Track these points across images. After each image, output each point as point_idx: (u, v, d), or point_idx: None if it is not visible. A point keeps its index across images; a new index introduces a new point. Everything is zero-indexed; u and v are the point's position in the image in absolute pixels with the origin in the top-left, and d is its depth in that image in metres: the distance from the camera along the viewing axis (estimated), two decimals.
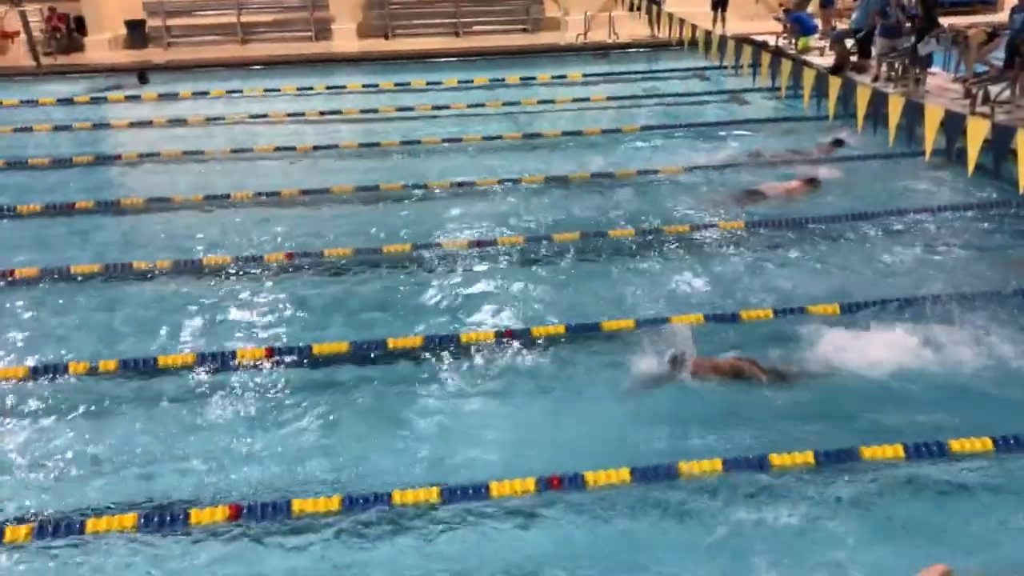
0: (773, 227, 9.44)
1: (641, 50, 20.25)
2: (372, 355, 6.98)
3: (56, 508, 5.33)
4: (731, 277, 8.37)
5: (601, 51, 20.17)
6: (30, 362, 6.95)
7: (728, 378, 6.46)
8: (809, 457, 5.49)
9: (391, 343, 7.10)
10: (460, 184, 11.14)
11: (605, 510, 5.23)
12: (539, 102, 15.58)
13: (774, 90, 12.61)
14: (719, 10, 20.40)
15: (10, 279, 8.49)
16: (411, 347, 7.07)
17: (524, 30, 22.41)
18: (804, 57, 16.62)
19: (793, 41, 18.49)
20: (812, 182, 10.61)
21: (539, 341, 7.10)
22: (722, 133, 13.31)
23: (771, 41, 18.39)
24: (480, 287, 8.32)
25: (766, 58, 11.63)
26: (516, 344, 7.08)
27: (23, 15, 19.61)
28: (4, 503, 5.43)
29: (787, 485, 5.35)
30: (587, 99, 15.64)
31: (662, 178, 11.28)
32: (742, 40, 13.67)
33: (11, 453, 5.91)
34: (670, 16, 15.63)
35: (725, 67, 13.94)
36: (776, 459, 5.47)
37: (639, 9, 17.82)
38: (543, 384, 6.60)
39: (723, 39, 13.48)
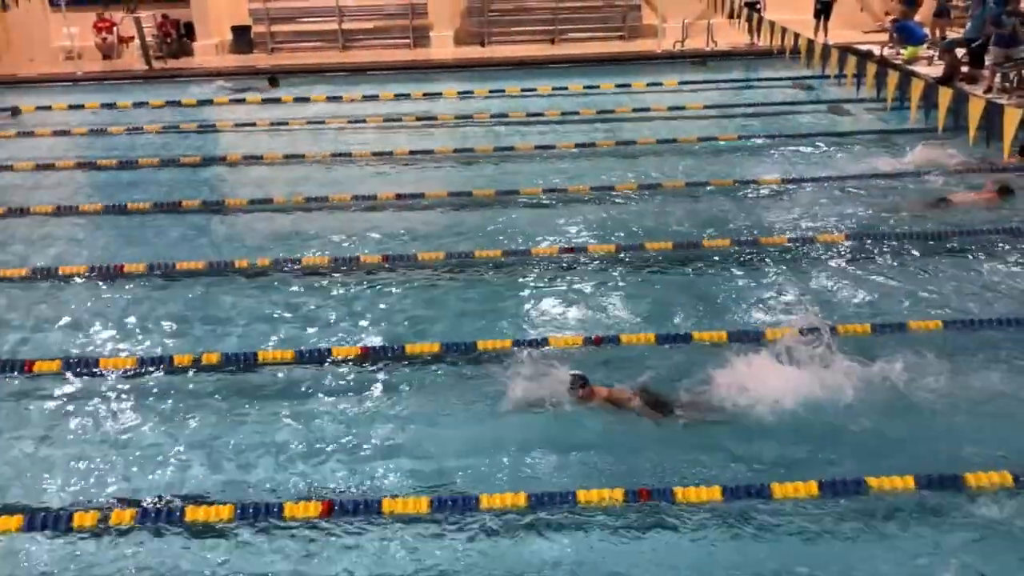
0: (877, 240, 9.17)
1: (740, 58, 19.94)
2: (462, 356, 7.03)
3: (158, 495, 5.52)
4: (829, 291, 8.16)
5: (698, 59, 19.92)
6: (137, 353, 7.23)
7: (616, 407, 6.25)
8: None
9: (480, 345, 7.15)
10: (552, 191, 11.14)
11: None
12: (634, 110, 15.48)
13: (879, 101, 12.24)
14: (822, 18, 19.92)
15: (119, 273, 8.85)
16: (500, 349, 7.11)
17: (621, 37, 22.30)
18: (911, 67, 16.08)
19: (899, 50, 17.92)
20: (1005, 191, 10.19)
21: (626, 348, 7.04)
22: (823, 144, 12.99)
23: (876, 50, 17.85)
24: (569, 294, 8.30)
25: (871, 68, 11.28)
26: (605, 350, 7.05)
27: (137, 21, 20.48)
28: (110, 487, 5.66)
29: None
30: (683, 107, 15.47)
31: (760, 189, 11.08)
32: (845, 49, 13.30)
33: (117, 440, 6.15)
34: (771, 24, 15.32)
35: (827, 77, 13.58)
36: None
37: (738, 17, 17.52)
38: None
39: (826, 48, 13.14)
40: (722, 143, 13.27)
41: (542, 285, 8.51)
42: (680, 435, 6.05)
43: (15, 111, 16.13)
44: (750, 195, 10.94)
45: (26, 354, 7.31)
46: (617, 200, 10.90)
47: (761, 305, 7.94)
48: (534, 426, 6.11)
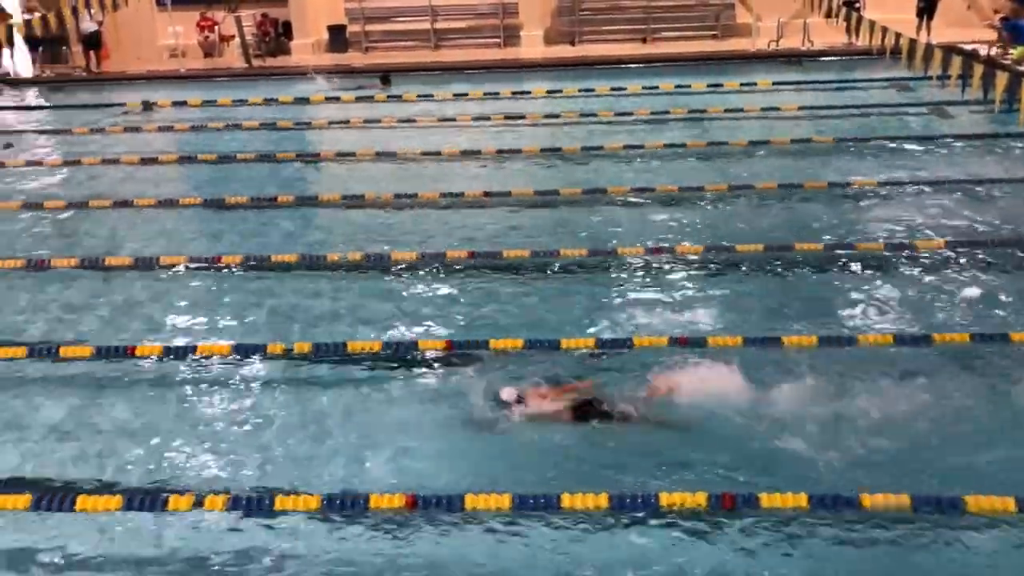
0: (980, 247, 8.82)
1: (837, 58, 19.43)
2: (546, 353, 7.03)
3: (248, 483, 5.69)
4: (926, 299, 7.88)
5: (794, 59, 19.49)
6: (232, 341, 7.47)
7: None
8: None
9: (564, 343, 7.15)
10: (640, 190, 11.05)
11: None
12: (726, 110, 15.24)
13: (986, 103, 11.77)
14: (925, 17, 19.25)
15: (217, 265, 9.15)
16: (584, 348, 7.10)
17: (713, 36, 21.98)
18: (1021, 68, 15.39)
19: (1008, 50, 17.17)
20: None
21: (712, 350, 6.94)
22: (923, 148, 12.56)
23: (982, 50, 17.14)
24: (655, 294, 8.23)
25: (979, 68, 10.85)
26: (687, 352, 6.96)
27: (238, 20, 21.14)
28: (203, 473, 5.85)
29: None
30: (776, 108, 15.15)
31: (856, 192, 10.78)
32: (950, 49, 12.81)
33: (211, 425, 6.36)
34: (871, 23, 14.86)
35: (930, 78, 13.11)
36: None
37: (836, 16, 17.04)
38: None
39: (929, 48, 12.68)
40: (817, 145, 12.95)
41: (628, 285, 8.46)
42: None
43: (148, 105, 16.78)
44: (845, 198, 10.65)
45: (129, 339, 7.61)
46: (707, 201, 10.75)
47: (854, 311, 7.73)
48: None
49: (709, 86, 16.91)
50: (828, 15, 17.38)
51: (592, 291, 8.36)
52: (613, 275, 8.68)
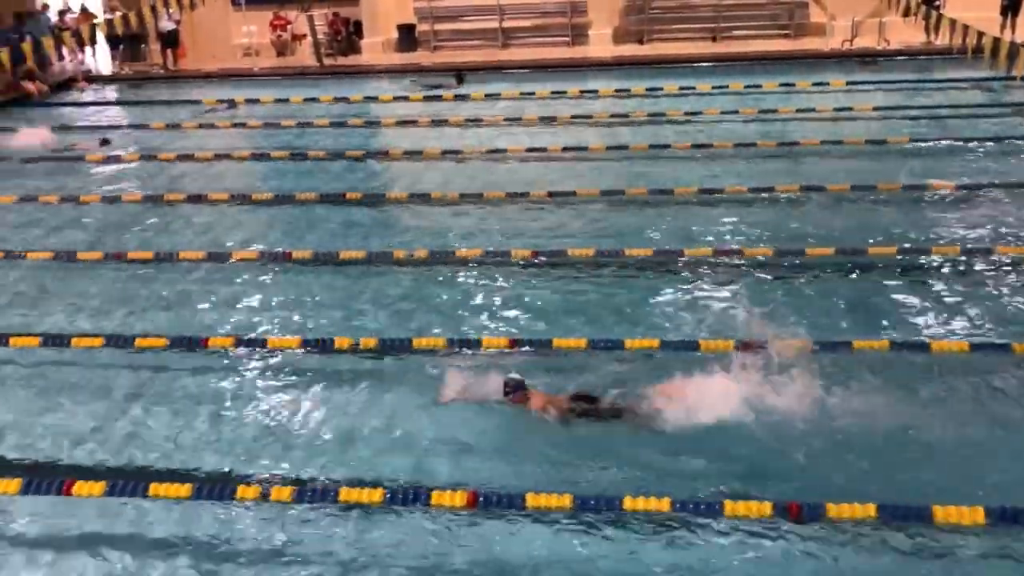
0: None
1: (914, 58, 18.92)
2: (608, 352, 7.00)
3: (313, 474, 5.78)
4: (1005, 305, 7.64)
5: (869, 58, 19.04)
6: (301, 335, 7.60)
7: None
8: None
9: (628, 343, 7.11)
10: (708, 191, 10.92)
11: None
12: (797, 110, 14.96)
13: None
14: (1009, 14, 18.61)
15: (287, 259, 9.31)
16: (649, 348, 7.05)
17: (786, 35, 21.60)
18: None
19: None
20: None
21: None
22: (1004, 150, 12.16)
23: None
24: (722, 297, 8.12)
25: None
26: (755, 356, 6.84)
27: (310, 19, 21.47)
28: (272, 464, 5.97)
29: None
30: (850, 108, 14.82)
31: (932, 195, 10.48)
32: None
33: (279, 417, 6.47)
34: (951, 21, 14.44)
35: (1013, 78, 12.69)
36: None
37: (914, 14, 16.59)
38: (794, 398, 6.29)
39: (1014, 46, 12.27)
40: (892, 146, 12.63)
41: (694, 286, 8.36)
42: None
43: (230, 103, 17.16)
44: (921, 201, 10.38)
45: (202, 331, 7.79)
46: (777, 202, 10.57)
47: (928, 317, 7.52)
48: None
49: (781, 85, 16.62)
50: (906, 13, 16.94)
51: (657, 292, 8.28)
52: (679, 276, 8.59)
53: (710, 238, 9.45)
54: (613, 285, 8.52)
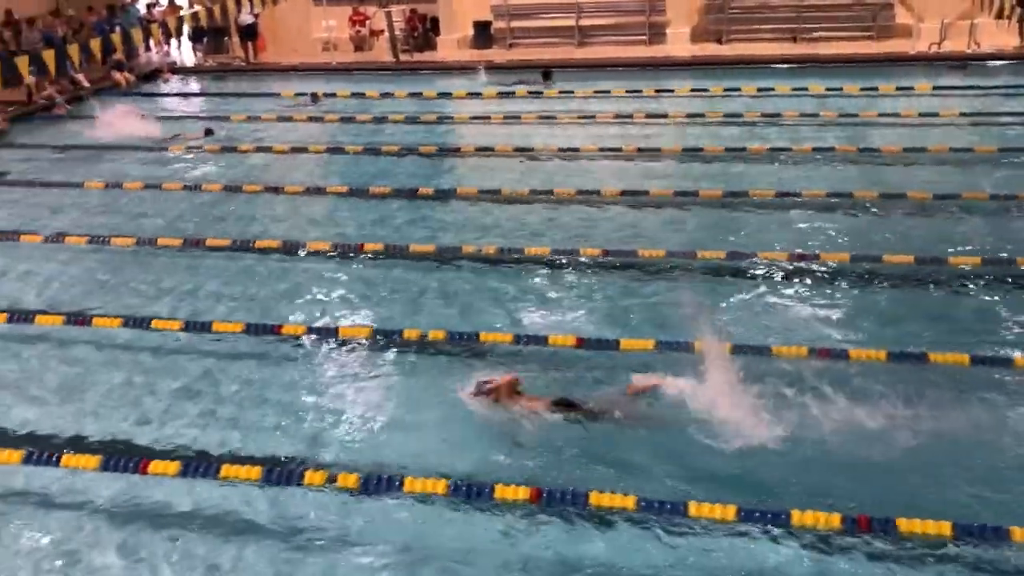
0: None
1: (1007, 62, 18.25)
2: (678, 354, 6.93)
3: (378, 462, 5.85)
4: None
5: (957, 62, 18.41)
6: (373, 325, 7.71)
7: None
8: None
9: (696, 346, 7.02)
10: (784, 195, 10.71)
11: None
12: (880, 115, 14.56)
13: None
14: None
15: (359, 251, 9.44)
16: (720, 352, 6.94)
17: (870, 37, 21.05)
18: None
19: None
20: None
21: (855, 364, 6.67)
22: None
23: None
24: (796, 302, 7.98)
25: None
26: (831, 363, 6.71)
27: (388, 15, 21.71)
28: (339, 452, 6.05)
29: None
30: (936, 114, 14.35)
31: (1020, 204, 10.10)
32: None
33: (344, 405, 6.56)
34: None
35: None
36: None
37: (1009, 16, 16.01)
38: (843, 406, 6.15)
39: None
40: (979, 154, 12.22)
41: (767, 291, 8.22)
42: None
43: (315, 97, 17.49)
44: (1007, 212, 10.01)
45: (274, 318, 7.95)
46: (855, 208, 10.31)
47: (1012, 331, 7.25)
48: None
49: (863, 89, 16.19)
50: (999, 15, 16.38)
51: (730, 295, 8.17)
52: (753, 280, 8.46)
53: (785, 242, 9.27)
54: (680, 287, 8.42)
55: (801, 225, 9.84)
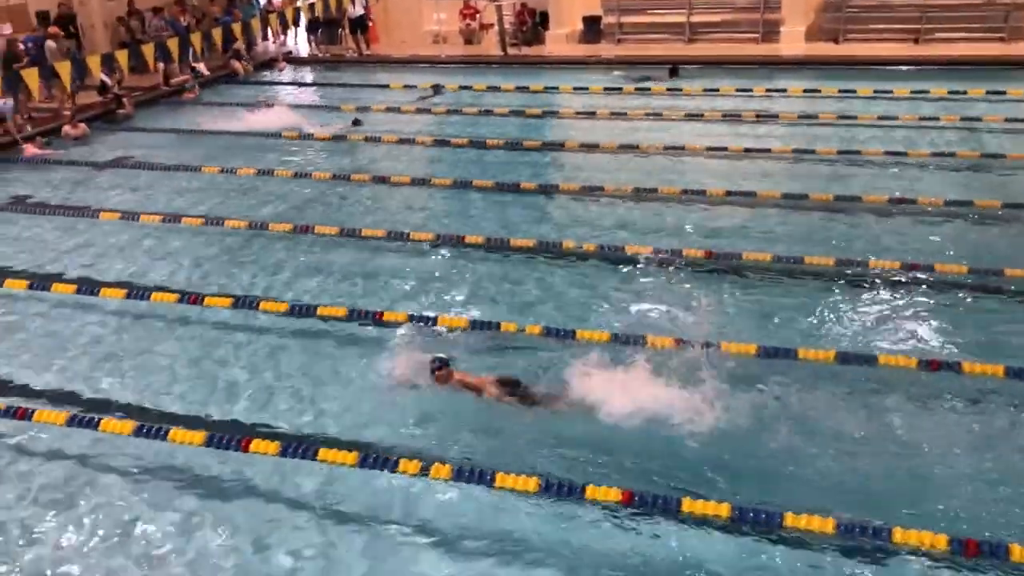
0: None
1: None
2: (781, 362, 6.80)
3: (470, 455, 5.91)
4: None
5: None
6: (470, 316, 7.81)
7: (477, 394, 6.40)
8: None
9: (801, 353, 6.85)
10: (899, 201, 10.31)
11: None
12: (1006, 119, 13.84)
13: None
14: None
15: (461, 243, 9.52)
16: (824, 360, 6.78)
17: (1000, 39, 20.02)
18: None
19: None
20: None
21: (968, 378, 6.41)
22: None
23: None
24: (907, 312, 7.71)
25: None
26: (943, 376, 6.45)
27: (499, 9, 21.80)
28: (430, 441, 6.13)
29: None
30: None
31: None
32: None
33: (442, 396, 6.60)
34: None
35: None
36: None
37: None
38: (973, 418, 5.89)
39: None
40: None
41: (877, 299, 7.95)
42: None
43: (437, 88, 17.72)
44: None
45: (377, 305, 8.11)
46: (974, 218, 9.84)
47: None
48: None
49: (988, 93, 15.42)
50: None
51: (837, 303, 7.94)
52: (861, 288, 8.19)
53: (898, 251, 8.93)
54: (788, 293, 8.23)
55: (916, 233, 9.47)
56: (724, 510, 5.17)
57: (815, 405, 6.29)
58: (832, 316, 7.69)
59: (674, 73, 18.06)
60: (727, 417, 6.12)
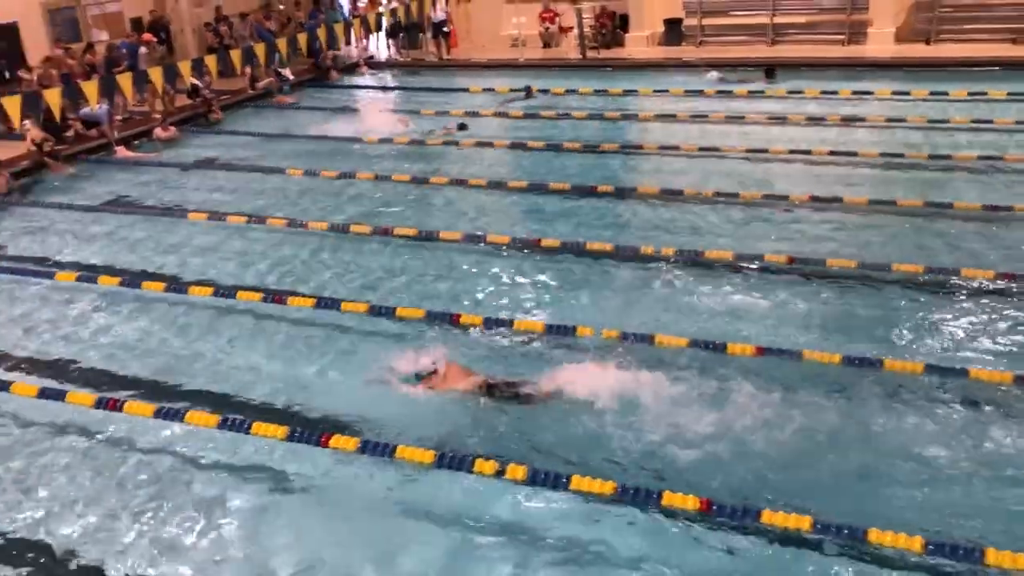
0: None
1: None
2: (868, 372, 6.61)
3: (545, 460, 5.87)
4: None
5: None
6: (545, 321, 7.78)
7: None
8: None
9: (888, 363, 6.64)
10: (993, 208, 9.92)
11: None
12: None
13: None
14: None
15: (536, 247, 9.51)
16: (910, 372, 6.57)
17: None
18: None
19: None
20: None
21: None
22: None
23: None
24: (1000, 326, 7.41)
25: None
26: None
27: (578, 12, 21.77)
28: (505, 445, 6.12)
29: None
30: None
31: None
32: None
33: (517, 400, 6.59)
34: None
35: None
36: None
37: None
38: None
39: None
40: None
41: (968, 310, 7.67)
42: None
43: (529, 91, 17.85)
44: None
45: (454, 308, 8.16)
46: None
47: None
48: None
49: None
50: None
51: (926, 312, 7.68)
52: (951, 298, 7.91)
53: (991, 260, 8.60)
54: (874, 300, 7.99)
55: (1011, 242, 9.09)
56: (805, 523, 5.03)
57: (900, 419, 6.09)
58: (920, 326, 7.45)
59: (770, 74, 17.70)
60: (810, 427, 5.97)
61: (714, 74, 18.44)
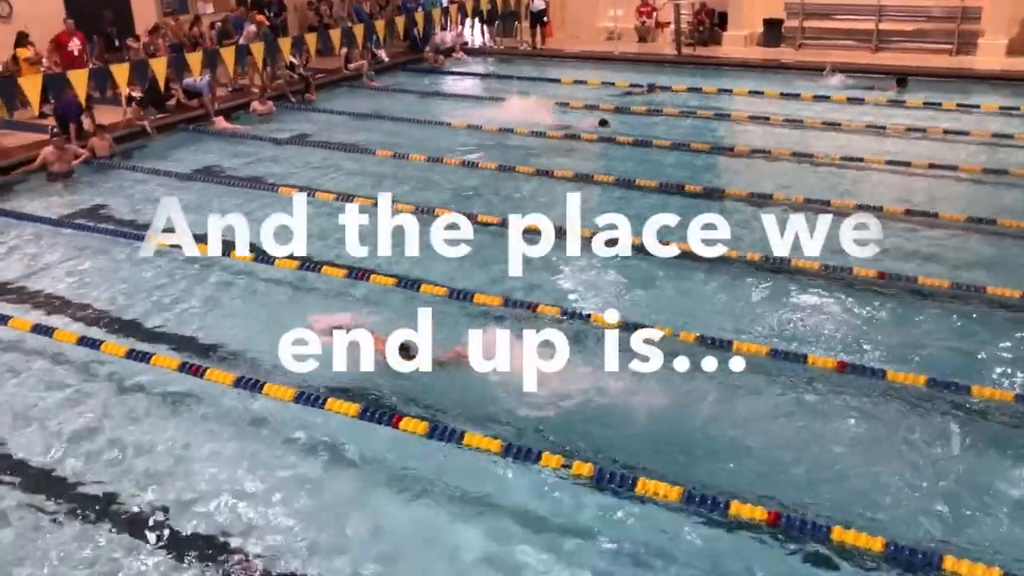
0: None
1: None
2: (951, 393, 6.42)
3: (615, 458, 5.84)
4: None
5: None
6: (624, 317, 7.65)
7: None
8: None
9: (976, 391, 6.42)
10: None
11: None
12: None
13: None
14: None
15: (616, 244, 9.39)
16: (1001, 400, 6.37)
17: None
18: None
19: None
20: None
21: None
22: None
23: None
24: None
25: None
26: None
27: (676, 8, 21.48)
28: (573, 439, 6.11)
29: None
30: None
31: None
32: None
33: (588, 392, 6.58)
34: None
35: None
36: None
37: None
38: None
39: None
40: None
41: None
42: None
43: (650, 87, 17.77)
44: None
45: (533, 297, 8.17)
46: None
47: None
48: None
49: None
50: None
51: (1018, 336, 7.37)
52: None
53: None
54: (967, 324, 7.70)
55: None
56: (878, 544, 4.91)
57: (992, 448, 5.89)
58: (1015, 352, 7.15)
59: (902, 83, 17.12)
60: (892, 449, 5.82)
61: (840, 77, 17.92)
